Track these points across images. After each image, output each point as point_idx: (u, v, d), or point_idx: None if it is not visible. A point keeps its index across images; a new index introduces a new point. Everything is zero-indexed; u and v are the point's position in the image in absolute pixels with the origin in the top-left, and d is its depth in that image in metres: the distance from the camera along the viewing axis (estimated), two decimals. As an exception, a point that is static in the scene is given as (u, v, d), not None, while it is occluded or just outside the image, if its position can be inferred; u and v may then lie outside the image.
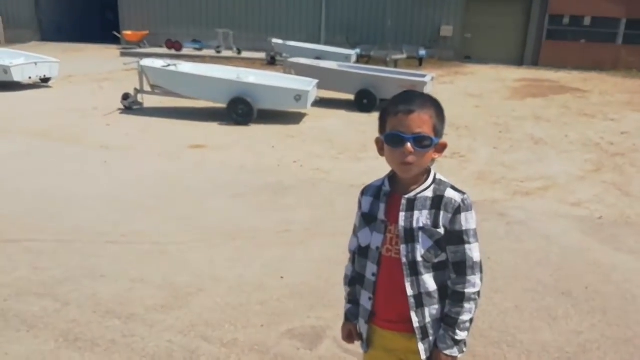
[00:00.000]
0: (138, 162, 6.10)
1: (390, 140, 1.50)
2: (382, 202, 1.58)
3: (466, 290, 1.53)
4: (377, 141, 1.58)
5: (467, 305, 1.53)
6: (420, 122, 1.47)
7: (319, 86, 9.42)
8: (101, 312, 3.01)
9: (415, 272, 1.52)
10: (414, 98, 1.51)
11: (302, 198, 5.04)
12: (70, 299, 3.12)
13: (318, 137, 7.71)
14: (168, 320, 2.95)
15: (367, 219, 1.61)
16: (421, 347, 1.56)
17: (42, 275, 3.38)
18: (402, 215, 1.52)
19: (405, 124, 1.47)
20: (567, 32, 19.55)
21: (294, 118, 8.93)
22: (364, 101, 9.86)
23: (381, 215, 1.57)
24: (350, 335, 1.76)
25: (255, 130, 8.02)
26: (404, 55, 16.85)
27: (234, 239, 4.06)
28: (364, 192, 1.67)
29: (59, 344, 2.72)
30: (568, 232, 4.45)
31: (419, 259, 1.51)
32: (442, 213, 1.51)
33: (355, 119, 9.21)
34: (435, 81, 11.07)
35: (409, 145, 1.46)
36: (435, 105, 1.53)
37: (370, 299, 1.61)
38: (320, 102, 9.56)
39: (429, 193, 1.53)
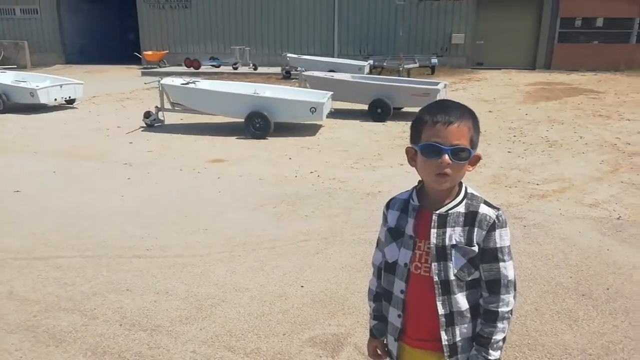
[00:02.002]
0: (160, 177, 6.25)
1: (426, 150, 1.42)
2: (410, 217, 1.51)
3: (500, 310, 1.46)
4: (408, 150, 1.51)
5: (500, 325, 1.46)
6: (459, 133, 1.41)
7: (334, 98, 9.53)
8: (127, 325, 3.09)
9: (447, 291, 1.46)
10: (452, 108, 1.44)
11: (320, 208, 5.10)
12: (97, 314, 3.21)
13: (334, 148, 7.80)
14: (192, 331, 3.02)
15: (393, 234, 1.54)
16: None
17: (70, 291, 3.49)
18: (433, 232, 1.46)
19: (443, 134, 1.40)
20: (579, 34, 19.41)
21: (309, 130, 9.04)
22: (377, 111, 9.93)
23: (409, 230, 1.50)
24: (376, 352, 1.70)
25: (273, 143, 8.14)
26: (417, 64, 16.92)
27: (254, 250, 4.14)
28: (389, 206, 1.60)
29: (87, 358, 2.79)
30: (586, 233, 4.42)
31: (452, 277, 1.45)
32: (476, 230, 1.44)
33: (369, 128, 9.29)
34: (448, 88, 11.09)
35: (446, 156, 1.39)
36: (472, 117, 1.46)
37: (399, 316, 1.55)
38: (335, 113, 9.66)
39: (462, 208, 1.46)
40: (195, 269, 3.82)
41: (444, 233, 1.45)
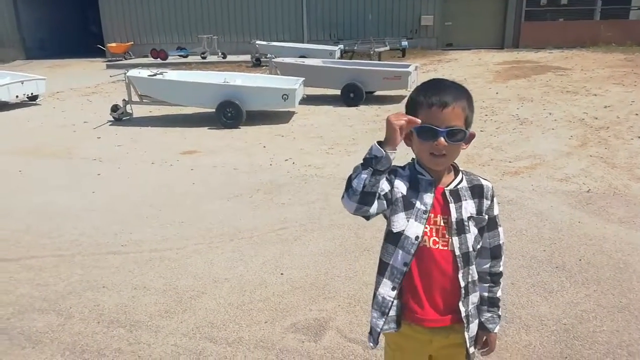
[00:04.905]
0: (132, 172, 6.13)
1: (422, 132, 1.44)
2: (426, 192, 1.51)
3: (501, 269, 1.63)
4: None
5: (502, 282, 1.65)
6: (454, 115, 1.43)
7: (305, 84, 9.48)
8: (105, 322, 3.04)
9: (467, 262, 1.52)
10: (447, 89, 1.46)
11: (296, 195, 5.09)
12: (73, 312, 3.15)
13: (308, 134, 7.76)
14: (172, 325, 2.99)
15: (406, 202, 1.51)
16: (466, 336, 1.55)
17: (44, 291, 3.41)
18: (452, 206, 1.50)
19: (439, 117, 1.42)
20: (545, 12, 19.75)
21: (282, 117, 8.98)
22: (350, 95, 9.92)
23: (425, 205, 1.50)
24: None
25: (246, 132, 8.06)
26: (387, 47, 16.93)
27: (232, 240, 4.10)
28: (395, 172, 1.53)
29: (65, 357, 2.74)
30: (558, 207, 4.52)
31: (470, 249, 1.52)
32: (484, 201, 1.54)
33: (343, 113, 9.27)
34: (419, 70, 11.14)
35: (442, 139, 1.42)
36: (467, 96, 1.49)
37: (393, 289, 1.53)
38: (308, 100, 9.62)
39: (465, 183, 1.54)
40: (172, 262, 3.77)
41: (461, 207, 1.51)
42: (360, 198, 1.42)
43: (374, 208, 1.45)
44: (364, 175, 1.40)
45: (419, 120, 1.41)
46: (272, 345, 2.77)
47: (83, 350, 2.79)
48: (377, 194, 1.44)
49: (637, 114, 7.93)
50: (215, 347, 2.78)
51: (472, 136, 1.52)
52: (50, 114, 10.11)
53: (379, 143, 1.39)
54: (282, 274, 3.53)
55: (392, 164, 1.44)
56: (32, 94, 11.08)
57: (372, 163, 1.39)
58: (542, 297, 3.12)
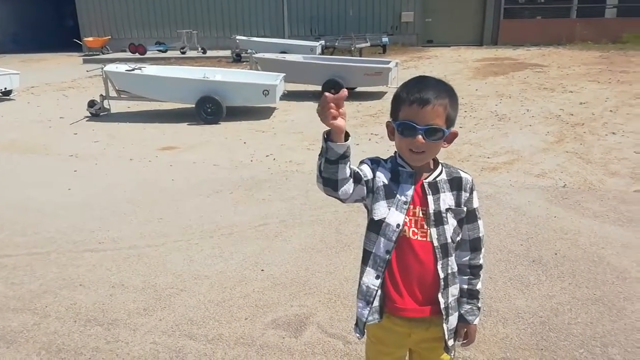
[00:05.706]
0: (109, 168, 6.03)
1: (402, 129, 1.48)
2: (406, 183, 1.53)
3: (481, 262, 1.65)
4: (388, 125, 1.57)
5: (482, 275, 1.66)
6: (434, 114, 1.44)
7: (286, 79, 9.44)
8: (82, 321, 2.99)
9: (445, 254, 1.53)
10: (429, 86, 1.47)
11: (277, 191, 5.07)
12: (49, 311, 3.09)
13: (289, 130, 7.74)
14: (151, 322, 2.95)
15: (387, 191, 1.53)
16: (445, 328, 1.57)
17: (18, 290, 3.34)
18: (430, 198, 1.52)
19: (418, 115, 1.44)
20: (523, 10, 20.05)
21: (263, 113, 8.94)
22: (331, 91, 9.85)
23: (405, 196, 1.52)
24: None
25: (226, 128, 8.00)
26: (368, 44, 16.97)
27: (211, 237, 4.07)
28: (377, 162, 1.58)
29: (41, 356, 2.69)
30: (535, 202, 4.59)
31: (449, 240, 1.53)
32: (463, 193, 1.56)
33: (324, 109, 9.25)
34: (399, 67, 11.19)
35: (420, 137, 1.44)
36: (449, 95, 1.50)
37: (377, 277, 1.54)
38: (288, 96, 9.58)
39: (444, 176, 1.56)
40: (151, 259, 3.72)
41: (439, 199, 1.53)
42: (323, 181, 1.44)
43: (345, 193, 1.45)
44: (319, 162, 1.43)
45: (339, 95, 1.34)
46: (253, 341, 2.76)
47: (59, 350, 2.74)
48: (349, 179, 1.44)
49: (611, 111, 8.10)
50: (195, 344, 2.75)
51: (454, 135, 1.53)
52: (25, 109, 9.89)
53: (327, 133, 1.37)
54: (262, 270, 3.52)
55: (351, 154, 1.40)
56: (5, 88, 10.84)
57: (322, 152, 1.40)
58: (519, 290, 3.17)
